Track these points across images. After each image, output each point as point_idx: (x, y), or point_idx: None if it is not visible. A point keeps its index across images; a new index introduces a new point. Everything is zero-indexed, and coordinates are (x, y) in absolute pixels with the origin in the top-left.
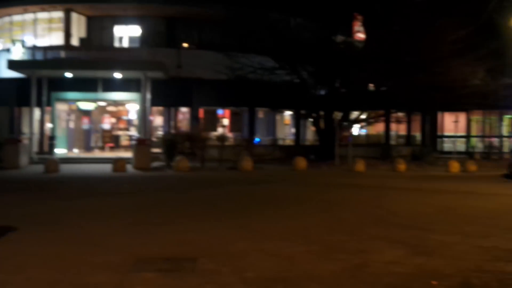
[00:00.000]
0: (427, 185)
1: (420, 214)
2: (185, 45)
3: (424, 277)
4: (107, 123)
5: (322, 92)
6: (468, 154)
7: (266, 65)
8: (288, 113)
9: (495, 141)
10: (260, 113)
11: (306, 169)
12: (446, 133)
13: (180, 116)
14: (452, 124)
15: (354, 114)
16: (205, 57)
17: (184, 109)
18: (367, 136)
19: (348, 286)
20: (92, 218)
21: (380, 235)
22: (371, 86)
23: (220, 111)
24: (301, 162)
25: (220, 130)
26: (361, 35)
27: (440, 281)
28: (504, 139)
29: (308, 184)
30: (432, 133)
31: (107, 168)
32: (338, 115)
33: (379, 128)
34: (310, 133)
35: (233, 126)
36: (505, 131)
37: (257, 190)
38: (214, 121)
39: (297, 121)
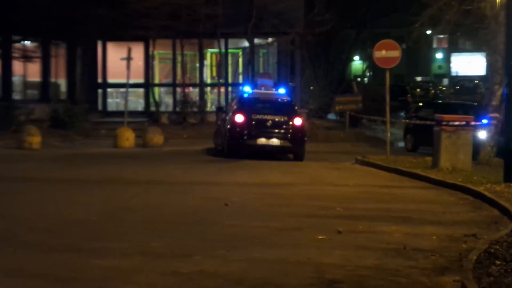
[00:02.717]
0: (84, 171)
1: (75, 223)
2: None
3: None
4: None
5: None
6: (150, 115)
7: None
8: None
9: (194, 92)
10: None
11: None
12: (112, 80)
13: None
14: (121, 63)
15: None
16: None
17: None
18: None
19: None
20: None
21: None
22: None
23: None
24: None
25: None
26: None
27: None
28: (208, 89)
29: None
30: (90, 79)
31: None
32: None
33: None
34: None
35: None
36: (208, 75)
37: None
38: None
39: None
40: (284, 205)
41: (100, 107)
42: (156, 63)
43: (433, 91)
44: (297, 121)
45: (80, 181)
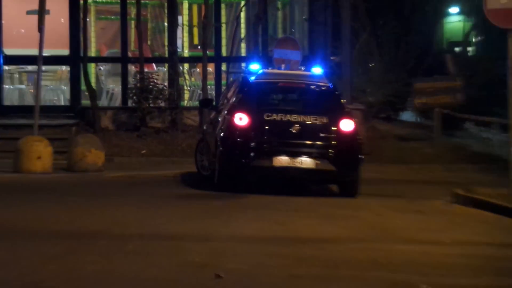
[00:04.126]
0: None
1: None
2: None
3: None
4: None
5: None
6: (82, 114)
7: None
8: None
9: (160, 73)
10: None
11: None
12: (11, 51)
13: None
14: (29, 21)
15: None
16: None
17: None
18: None
19: None
20: None
21: None
22: None
23: None
24: None
25: None
26: None
27: None
28: (186, 68)
29: None
30: None
31: None
32: None
33: None
34: None
35: None
36: (185, 43)
37: None
38: None
39: None
40: (323, 279)
41: None
42: (91, 20)
43: None
44: (346, 126)
45: None
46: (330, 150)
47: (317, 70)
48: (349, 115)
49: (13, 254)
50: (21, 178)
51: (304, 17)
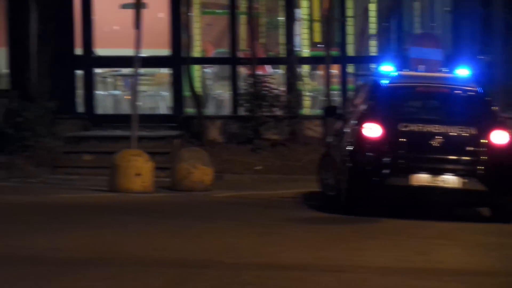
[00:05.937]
0: (52, 241)
1: None
2: None
3: None
4: None
5: None
6: (186, 124)
7: None
8: None
9: (275, 77)
10: None
11: None
12: (104, 51)
13: None
14: (122, 16)
15: None
16: None
17: None
18: None
19: None
20: None
21: None
22: None
23: None
24: None
25: None
26: None
27: None
28: (306, 70)
29: None
30: (58, 49)
31: None
32: None
33: None
34: None
35: None
36: (305, 41)
37: None
38: None
39: None
40: None
41: (80, 106)
42: (195, 15)
43: None
44: (499, 138)
45: (43, 260)
46: (479, 167)
47: (462, 71)
48: (502, 125)
49: (118, 284)
50: (118, 198)
51: (446, 8)
